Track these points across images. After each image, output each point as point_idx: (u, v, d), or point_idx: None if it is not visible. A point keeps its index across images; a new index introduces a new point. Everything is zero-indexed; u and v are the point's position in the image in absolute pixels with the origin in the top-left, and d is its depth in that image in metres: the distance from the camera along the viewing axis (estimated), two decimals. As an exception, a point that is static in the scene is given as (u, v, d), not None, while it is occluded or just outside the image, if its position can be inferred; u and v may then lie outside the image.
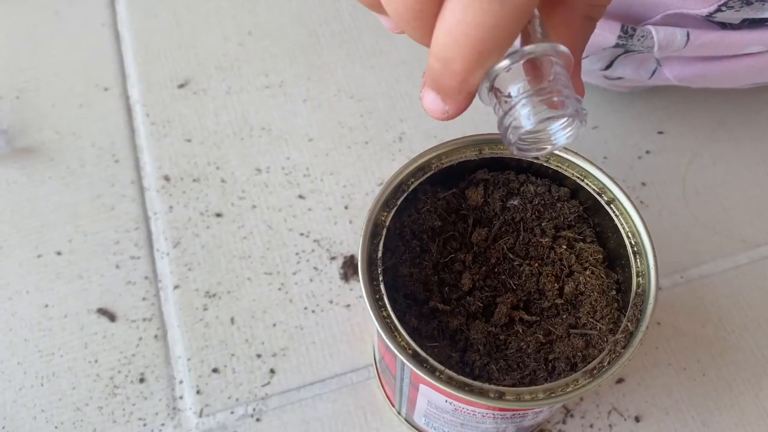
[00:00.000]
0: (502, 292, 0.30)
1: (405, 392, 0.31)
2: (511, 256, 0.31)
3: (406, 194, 0.29)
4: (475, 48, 0.19)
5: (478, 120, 0.44)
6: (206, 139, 0.46)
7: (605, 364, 0.26)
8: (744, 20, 0.36)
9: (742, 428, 0.38)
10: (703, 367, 0.39)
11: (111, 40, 0.50)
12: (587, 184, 0.30)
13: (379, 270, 0.28)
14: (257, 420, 0.38)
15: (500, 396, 0.25)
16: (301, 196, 0.44)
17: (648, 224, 0.29)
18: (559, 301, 0.30)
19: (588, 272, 0.30)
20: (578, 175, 0.30)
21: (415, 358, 0.26)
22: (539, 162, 0.30)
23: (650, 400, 0.38)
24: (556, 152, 0.30)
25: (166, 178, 0.44)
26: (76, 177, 0.44)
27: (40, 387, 0.38)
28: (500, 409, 0.26)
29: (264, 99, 0.48)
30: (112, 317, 0.40)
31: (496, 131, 0.22)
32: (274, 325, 0.40)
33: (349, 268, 0.42)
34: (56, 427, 0.37)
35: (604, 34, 0.37)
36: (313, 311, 0.41)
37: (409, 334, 0.26)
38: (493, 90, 0.21)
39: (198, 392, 0.38)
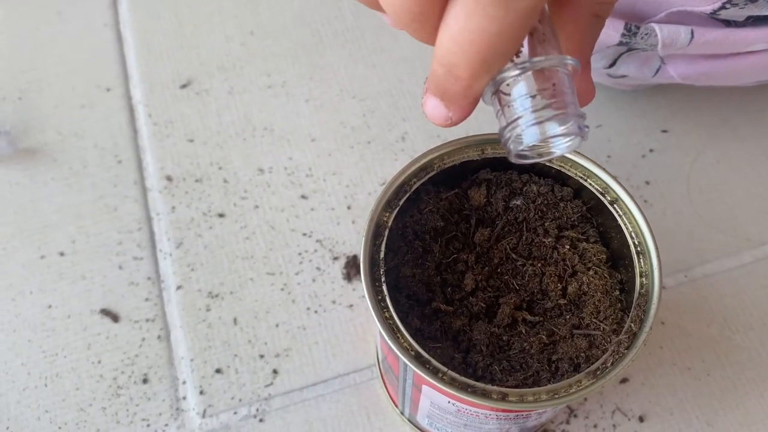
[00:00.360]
0: (505, 292, 0.30)
1: (408, 393, 0.31)
2: (514, 256, 0.31)
3: (408, 194, 0.29)
4: (480, 54, 0.19)
5: (482, 119, 0.44)
6: (209, 139, 0.46)
7: (608, 365, 0.26)
8: (749, 17, 0.36)
9: (747, 428, 0.38)
10: (707, 366, 0.39)
11: (113, 41, 0.50)
12: (590, 183, 0.30)
13: (382, 271, 0.27)
14: (260, 420, 0.38)
15: (503, 397, 0.25)
16: (303, 197, 0.44)
17: (652, 223, 0.28)
18: (562, 301, 0.29)
19: (591, 272, 0.30)
20: (581, 175, 0.30)
21: (417, 359, 0.26)
22: (543, 162, 0.30)
23: (654, 400, 0.38)
24: (559, 152, 0.30)
25: (169, 179, 0.44)
26: (79, 178, 0.44)
27: (44, 387, 0.38)
28: (503, 411, 0.26)
29: (266, 99, 0.47)
30: (115, 318, 0.40)
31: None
32: (277, 325, 0.40)
33: (351, 268, 0.42)
34: (60, 428, 0.37)
35: (608, 32, 0.37)
36: (315, 311, 0.40)
37: (411, 335, 0.26)
38: (497, 94, 0.21)
39: (201, 393, 0.38)
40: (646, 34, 0.36)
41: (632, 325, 0.26)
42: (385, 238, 0.28)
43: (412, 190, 0.29)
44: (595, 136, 0.46)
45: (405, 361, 0.26)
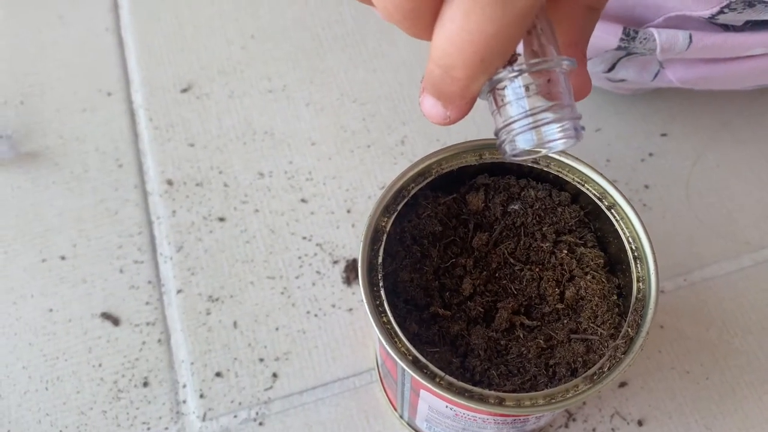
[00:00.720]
0: (503, 297, 0.30)
1: (406, 397, 0.31)
2: (512, 260, 0.31)
3: (406, 199, 0.29)
4: (477, 55, 0.18)
5: (480, 124, 0.44)
6: (209, 143, 0.46)
7: (605, 369, 0.26)
8: (747, 22, 0.36)
9: (746, 432, 0.38)
10: (706, 370, 0.39)
11: (114, 45, 0.50)
12: (588, 188, 0.30)
13: (380, 275, 0.28)
14: (260, 424, 0.38)
15: (500, 402, 0.25)
16: (303, 200, 0.44)
17: (651, 227, 0.28)
18: (560, 306, 0.30)
19: (589, 277, 0.30)
20: (579, 180, 0.30)
21: (415, 364, 0.26)
22: (540, 167, 0.30)
23: (653, 404, 0.38)
24: (557, 157, 0.30)
25: (169, 183, 0.44)
26: (80, 182, 0.45)
27: (45, 391, 0.39)
28: (501, 415, 0.26)
29: (267, 103, 0.48)
30: (115, 321, 0.40)
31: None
32: (277, 329, 0.40)
33: (351, 272, 0.42)
34: (60, 431, 0.37)
35: (606, 36, 0.37)
36: (315, 315, 0.41)
37: (409, 340, 0.26)
38: (493, 93, 0.21)
39: (201, 396, 0.38)
40: (645, 39, 0.36)
41: (629, 330, 0.27)
42: (383, 243, 0.28)
43: (411, 195, 0.29)
44: (594, 139, 0.46)
45: (403, 365, 0.26)
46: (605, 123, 0.47)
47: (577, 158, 0.30)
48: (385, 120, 0.47)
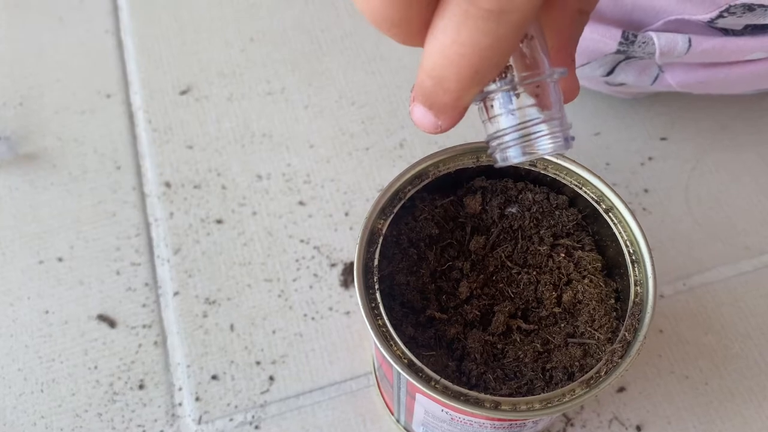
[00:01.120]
0: (500, 300, 0.30)
1: (402, 401, 0.31)
2: (509, 264, 0.30)
3: (403, 202, 0.29)
4: (471, 68, 0.18)
5: (478, 126, 0.44)
6: (208, 145, 0.46)
7: (602, 374, 0.26)
8: (746, 26, 0.36)
9: (745, 438, 0.37)
10: (705, 375, 0.39)
11: (114, 47, 0.50)
12: (585, 192, 0.30)
13: (375, 278, 0.27)
14: (256, 427, 0.38)
15: (496, 406, 0.25)
16: (301, 203, 0.44)
17: (650, 231, 0.28)
18: (557, 309, 0.29)
19: (586, 281, 0.30)
20: (576, 183, 0.30)
21: (410, 367, 0.26)
22: (537, 170, 0.30)
23: (652, 409, 0.38)
24: (555, 160, 0.30)
25: (167, 185, 0.44)
26: (78, 183, 0.45)
27: (40, 393, 0.38)
28: (497, 419, 0.26)
29: (265, 105, 0.48)
30: (112, 323, 0.40)
31: None
32: (274, 332, 0.40)
33: (349, 275, 0.42)
34: (56, 434, 0.37)
35: (605, 40, 0.37)
36: (312, 318, 0.40)
37: (405, 343, 0.26)
38: (484, 103, 0.21)
39: (197, 399, 0.38)
40: (644, 43, 0.36)
41: (626, 334, 0.26)
42: (379, 246, 0.28)
43: (407, 197, 0.29)
44: (593, 143, 0.46)
45: (398, 369, 0.26)
46: (604, 127, 0.46)
47: (574, 161, 0.30)
48: (383, 123, 0.47)
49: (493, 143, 0.22)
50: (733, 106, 0.47)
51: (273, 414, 0.38)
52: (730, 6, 0.34)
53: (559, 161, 0.30)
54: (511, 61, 0.20)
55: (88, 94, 0.48)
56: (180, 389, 0.39)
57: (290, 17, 0.51)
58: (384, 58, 0.50)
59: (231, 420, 0.38)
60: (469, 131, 0.44)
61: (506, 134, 0.21)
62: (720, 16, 0.34)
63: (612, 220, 0.29)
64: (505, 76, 0.20)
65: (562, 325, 0.29)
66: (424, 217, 0.30)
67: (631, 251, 0.28)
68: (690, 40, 0.36)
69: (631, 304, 0.27)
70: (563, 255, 0.30)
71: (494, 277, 0.30)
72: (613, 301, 0.29)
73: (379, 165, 0.45)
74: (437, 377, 0.26)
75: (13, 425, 0.38)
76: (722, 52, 0.36)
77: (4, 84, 0.48)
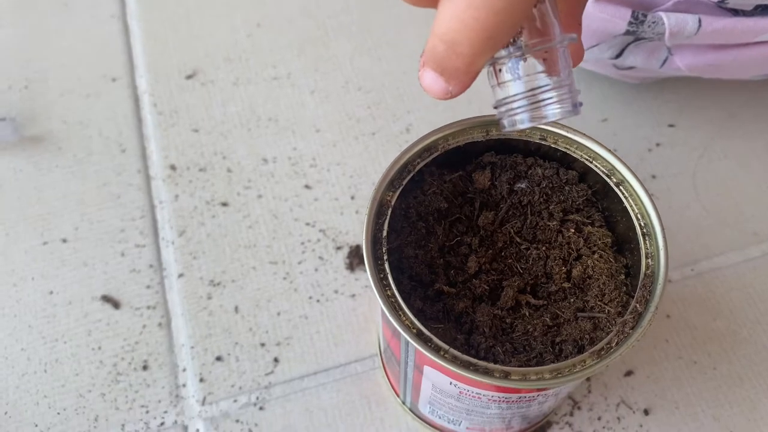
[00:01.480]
0: (509, 275, 0.30)
1: (409, 377, 0.31)
2: (518, 239, 0.30)
3: (412, 174, 0.29)
4: (485, 32, 0.18)
5: (486, 98, 0.44)
6: (213, 129, 0.46)
7: (613, 344, 0.26)
8: (757, 7, 0.35)
9: (754, 423, 0.37)
10: (713, 360, 0.39)
11: (120, 31, 0.50)
12: (596, 165, 0.29)
13: (384, 249, 0.27)
14: (260, 409, 0.37)
15: (506, 375, 0.25)
16: (307, 186, 0.44)
17: (661, 217, 0.28)
18: (566, 284, 0.29)
19: (596, 256, 0.29)
20: (587, 157, 0.30)
21: (419, 336, 0.26)
22: (548, 143, 0.30)
23: (660, 393, 0.38)
24: (565, 134, 0.30)
25: (173, 168, 0.44)
26: (83, 166, 0.44)
27: (44, 373, 0.38)
28: (505, 390, 0.26)
29: (272, 90, 0.47)
30: (116, 305, 0.40)
31: None
32: (279, 314, 0.40)
33: (354, 257, 0.41)
34: (59, 413, 0.37)
35: (615, 20, 0.36)
36: (318, 301, 0.40)
37: (414, 316, 0.26)
38: (494, 68, 0.21)
39: (201, 380, 0.38)
40: (654, 23, 0.36)
41: (637, 305, 0.26)
42: (387, 218, 0.28)
43: (416, 170, 0.29)
44: (601, 129, 0.46)
45: (407, 338, 0.25)
46: (612, 113, 0.46)
47: (585, 134, 0.29)
48: (389, 108, 0.47)
49: (502, 108, 0.22)
50: (741, 94, 0.47)
51: (277, 396, 0.38)
52: (741, -15, 0.34)
53: (569, 135, 0.30)
54: (522, 26, 0.20)
55: (94, 78, 0.48)
56: (184, 370, 0.38)
57: (297, 3, 0.51)
58: (390, 44, 0.49)
59: (235, 401, 0.37)
60: (476, 108, 0.44)
61: (515, 100, 0.21)
62: (730, -5, 0.34)
63: (623, 194, 0.29)
64: (516, 42, 0.20)
65: (572, 299, 0.29)
66: (433, 191, 0.30)
67: (643, 224, 0.28)
68: (700, 21, 0.36)
69: (642, 276, 0.27)
70: (573, 230, 0.30)
71: (503, 253, 0.30)
72: (623, 276, 0.29)
73: (385, 150, 0.45)
74: (446, 347, 0.25)
75: (15, 405, 0.37)
76: (732, 33, 0.36)
77: (10, 67, 0.48)
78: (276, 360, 0.39)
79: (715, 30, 0.36)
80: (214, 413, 0.37)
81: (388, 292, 0.26)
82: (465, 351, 0.27)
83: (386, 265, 0.27)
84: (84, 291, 0.40)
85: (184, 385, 0.38)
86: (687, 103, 0.47)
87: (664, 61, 0.40)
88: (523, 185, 0.31)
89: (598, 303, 0.28)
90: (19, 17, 0.50)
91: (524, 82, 0.21)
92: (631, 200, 0.28)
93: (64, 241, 0.42)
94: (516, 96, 0.21)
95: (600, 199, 0.31)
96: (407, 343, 0.26)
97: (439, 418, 0.33)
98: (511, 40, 0.20)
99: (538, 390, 0.26)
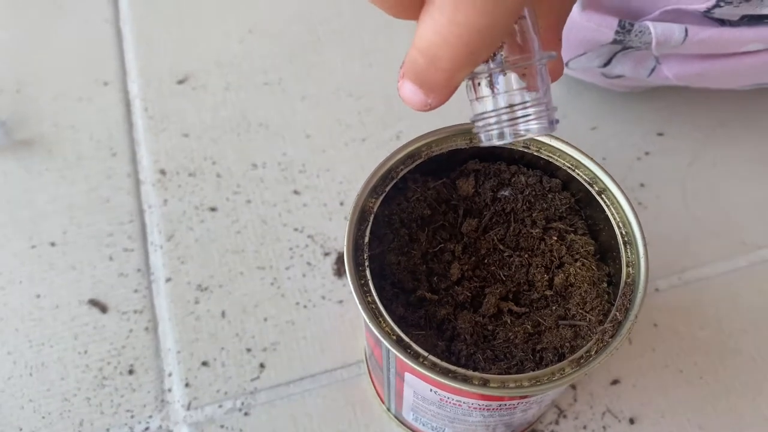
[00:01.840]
0: (491, 282, 0.30)
1: (392, 383, 0.31)
2: (501, 247, 0.30)
3: (395, 181, 0.29)
4: (466, 48, 0.18)
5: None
6: (203, 134, 0.46)
7: (592, 353, 0.26)
8: (743, 17, 0.36)
9: (740, 432, 0.37)
10: (700, 370, 0.39)
11: (112, 36, 0.50)
12: (578, 174, 0.29)
13: (365, 256, 0.27)
14: (245, 414, 0.37)
15: (485, 383, 0.25)
16: (296, 192, 0.44)
17: (646, 225, 0.28)
18: (548, 292, 0.29)
19: (578, 264, 0.29)
20: (569, 165, 0.30)
21: (398, 343, 0.26)
22: (531, 152, 0.30)
23: (646, 402, 0.38)
24: (548, 142, 0.30)
25: (162, 172, 0.44)
26: (73, 169, 0.44)
27: (29, 377, 0.38)
28: (485, 398, 0.26)
29: (262, 96, 0.48)
30: (103, 308, 0.40)
31: None
32: (266, 319, 0.40)
33: (342, 264, 0.41)
34: (44, 417, 0.37)
35: (602, 29, 0.37)
36: (305, 306, 0.40)
37: (395, 322, 0.26)
38: (473, 82, 0.21)
39: (187, 385, 0.38)
40: (640, 32, 0.36)
41: (617, 313, 0.26)
42: (369, 224, 0.28)
43: (399, 176, 0.29)
44: (590, 137, 0.46)
45: (386, 345, 0.25)
46: (601, 121, 0.46)
47: (568, 143, 0.30)
48: (380, 115, 0.47)
49: (480, 123, 0.22)
50: (729, 103, 0.47)
51: (263, 401, 0.38)
52: (727, -5, 0.34)
53: (552, 143, 0.30)
54: (503, 42, 0.21)
55: (86, 82, 0.48)
56: (170, 375, 0.38)
57: (289, 9, 0.51)
58: (382, 50, 0.50)
59: (220, 406, 0.37)
60: (464, 114, 0.44)
61: (493, 115, 0.21)
62: (716, 5, 0.34)
63: (605, 202, 0.29)
64: (495, 57, 0.21)
65: (554, 307, 0.29)
66: (417, 198, 0.30)
67: (624, 232, 0.28)
68: (686, 30, 0.36)
69: (622, 284, 0.27)
70: (555, 238, 0.30)
71: (486, 260, 0.30)
72: (605, 284, 0.29)
73: (375, 156, 0.45)
74: (425, 354, 0.25)
75: (0, 408, 0.37)
76: (719, 43, 0.36)
77: (2, 70, 0.48)
78: (262, 365, 0.39)
79: (702, 40, 0.36)
80: (199, 418, 0.37)
81: (369, 299, 0.26)
82: (446, 358, 0.27)
83: (367, 272, 0.27)
84: (71, 295, 0.40)
85: (169, 390, 0.38)
86: (676, 112, 0.47)
87: (652, 70, 0.40)
88: (506, 193, 0.31)
89: (580, 311, 0.28)
90: (12, 20, 0.50)
91: (502, 97, 0.21)
92: (612, 209, 0.29)
93: (53, 244, 0.42)
94: (493, 111, 0.21)
95: (583, 207, 0.31)
96: (387, 350, 0.26)
97: (423, 425, 0.33)
98: (491, 55, 0.21)
99: (519, 398, 0.26)
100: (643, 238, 0.27)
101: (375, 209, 0.28)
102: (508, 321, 0.29)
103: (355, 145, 0.46)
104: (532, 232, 0.30)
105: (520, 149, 0.30)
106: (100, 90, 0.48)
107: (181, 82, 0.48)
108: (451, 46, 0.18)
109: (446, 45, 0.18)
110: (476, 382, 0.25)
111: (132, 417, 0.37)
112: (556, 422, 0.37)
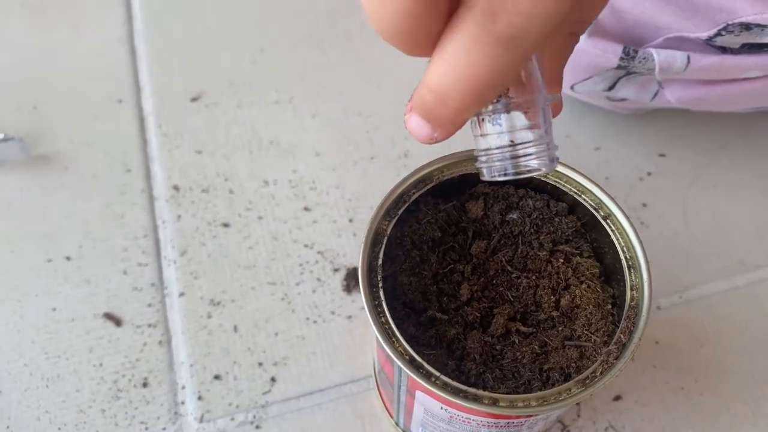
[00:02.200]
0: (500, 303, 0.31)
1: (402, 400, 0.32)
2: (509, 268, 0.31)
3: (407, 204, 0.30)
4: (475, 89, 0.19)
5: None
6: (216, 151, 0.47)
7: (598, 374, 0.26)
8: (743, 45, 0.37)
9: (739, 449, 0.38)
10: (700, 387, 0.40)
11: (127, 55, 0.51)
12: (584, 199, 0.30)
13: (379, 277, 0.28)
14: (257, 427, 0.38)
15: (494, 402, 0.26)
16: (306, 209, 0.45)
17: (648, 244, 0.29)
18: (555, 313, 0.30)
19: (584, 286, 0.30)
20: (576, 191, 0.31)
21: (411, 363, 0.27)
22: (538, 177, 0.31)
23: (647, 419, 0.39)
24: (555, 168, 0.31)
25: (176, 188, 0.45)
26: (88, 185, 0.46)
27: (45, 389, 0.39)
28: (494, 416, 0.27)
29: (274, 114, 0.49)
30: (118, 322, 0.41)
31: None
32: (276, 334, 0.41)
33: (351, 279, 0.42)
34: (59, 429, 0.38)
35: (607, 55, 0.38)
36: (315, 322, 0.41)
37: (407, 342, 0.27)
38: (477, 118, 0.22)
39: (199, 398, 0.39)
40: (644, 58, 0.37)
41: (622, 336, 0.27)
42: (383, 246, 0.29)
43: (411, 200, 0.30)
44: (593, 158, 0.47)
45: (399, 364, 0.26)
46: (605, 142, 0.47)
47: (574, 169, 0.31)
48: (388, 134, 0.48)
49: (483, 158, 0.23)
50: (731, 125, 0.48)
51: (274, 415, 0.39)
52: (728, 24, 0.35)
53: (559, 168, 0.31)
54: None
55: (101, 100, 0.49)
56: (183, 388, 0.39)
57: (300, 31, 0.53)
58: (390, 72, 0.51)
59: (232, 419, 0.38)
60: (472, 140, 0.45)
61: (496, 153, 0.22)
62: (718, 34, 0.36)
63: (610, 227, 0.30)
64: (501, 97, 0.21)
65: (560, 328, 0.30)
66: (428, 220, 0.31)
67: (628, 257, 0.29)
68: (689, 57, 0.37)
69: (627, 307, 0.28)
70: (562, 261, 0.31)
71: (494, 281, 0.31)
72: (609, 306, 0.30)
73: (384, 174, 0.46)
74: (437, 373, 0.26)
75: (17, 420, 0.38)
76: (720, 70, 0.37)
77: (19, 87, 0.49)
78: (273, 379, 0.39)
79: (704, 66, 0.37)
80: (212, 431, 0.38)
81: (383, 319, 0.27)
82: (456, 377, 0.28)
83: (381, 293, 0.28)
84: (86, 308, 0.41)
85: (182, 403, 0.39)
86: (678, 134, 0.48)
87: (655, 94, 0.41)
88: (514, 216, 0.32)
89: (585, 332, 0.29)
90: (30, 39, 0.52)
91: (505, 135, 0.22)
92: (617, 233, 0.30)
93: (68, 258, 0.43)
94: (497, 149, 0.22)
95: (589, 230, 0.32)
96: (400, 369, 0.27)
97: (431, 440, 0.34)
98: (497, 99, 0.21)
99: (526, 416, 0.27)
100: (647, 262, 0.28)
101: (388, 231, 0.29)
102: (516, 341, 0.30)
103: (364, 163, 0.47)
104: (539, 255, 0.31)
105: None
106: (114, 107, 0.49)
107: (194, 99, 0.49)
108: (462, 86, 0.19)
109: (458, 84, 0.19)
110: (486, 402, 0.26)
111: (146, 429, 0.38)
112: (560, 437, 0.38)
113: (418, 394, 0.29)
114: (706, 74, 0.38)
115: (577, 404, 0.39)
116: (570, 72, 0.40)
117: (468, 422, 0.28)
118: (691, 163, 0.47)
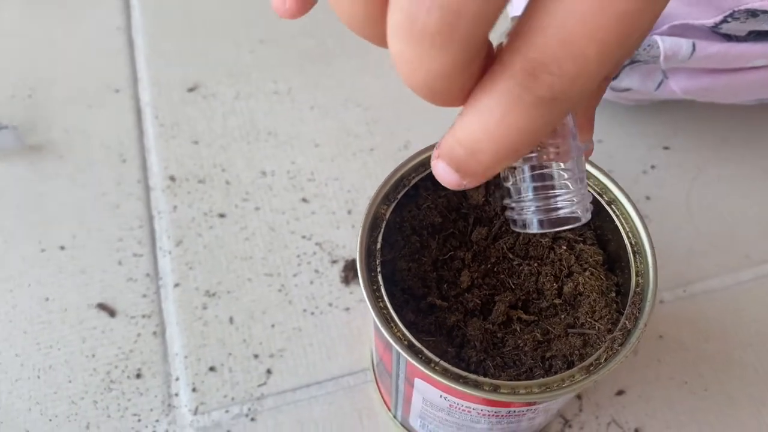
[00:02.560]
0: (501, 290, 0.30)
1: (401, 390, 0.31)
2: (510, 255, 0.31)
3: (407, 189, 0.29)
4: (510, 146, 0.18)
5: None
6: (213, 141, 0.46)
7: (602, 361, 0.26)
8: (750, 32, 0.36)
9: (744, 445, 0.37)
10: (705, 381, 0.39)
11: (124, 44, 0.50)
12: (588, 184, 0.30)
13: (377, 261, 0.27)
14: (252, 420, 0.37)
15: (495, 389, 0.25)
16: (304, 200, 0.44)
17: (652, 238, 0.28)
18: (557, 301, 0.29)
19: (587, 273, 0.30)
20: (579, 176, 0.30)
21: (410, 348, 0.26)
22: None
23: (651, 413, 0.38)
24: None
25: (172, 179, 0.45)
26: (83, 175, 0.45)
27: (37, 379, 0.38)
28: (495, 404, 0.26)
29: (272, 105, 0.48)
30: (111, 313, 0.40)
31: None
32: (273, 326, 0.40)
33: (349, 271, 0.42)
34: (50, 420, 0.37)
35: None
36: (312, 313, 0.40)
37: (406, 328, 0.26)
38: (509, 168, 0.21)
39: (194, 390, 0.38)
40: (649, 46, 0.37)
41: (627, 322, 0.26)
42: (382, 230, 0.28)
43: (411, 184, 0.30)
44: (596, 151, 0.46)
45: (398, 349, 0.25)
46: (608, 134, 0.47)
47: (578, 153, 0.30)
48: (388, 125, 0.47)
49: (513, 206, 0.22)
50: (735, 118, 0.47)
51: (269, 407, 0.38)
52: (734, 11, 0.34)
53: (562, 153, 0.30)
54: None
55: (97, 89, 0.48)
56: (177, 379, 0.38)
57: (299, 21, 0.52)
58: (389, 62, 0.50)
59: (227, 411, 0.38)
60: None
61: (527, 203, 0.21)
62: (724, 21, 0.35)
63: (614, 212, 0.29)
64: (534, 151, 0.20)
65: (563, 316, 0.29)
66: (428, 205, 0.30)
67: (633, 242, 0.28)
68: (694, 45, 0.36)
69: (632, 293, 0.27)
70: (564, 248, 0.30)
71: (495, 268, 0.30)
72: (613, 294, 0.29)
73: (383, 166, 0.46)
74: (437, 359, 0.26)
75: (8, 410, 0.37)
76: (725, 58, 0.37)
77: (14, 75, 0.49)
78: (269, 371, 0.39)
79: (709, 54, 0.37)
80: (206, 423, 0.37)
81: (381, 304, 0.27)
82: (456, 364, 0.27)
83: (379, 277, 0.27)
84: (80, 298, 0.41)
85: (176, 395, 0.38)
86: (682, 126, 0.47)
87: (660, 84, 0.40)
88: (516, 202, 0.31)
89: (589, 319, 0.28)
90: (26, 26, 0.51)
91: (536, 186, 0.21)
92: (622, 219, 0.29)
93: (62, 248, 0.42)
94: (529, 201, 0.21)
95: (592, 217, 0.31)
96: (398, 355, 0.26)
97: (430, 432, 0.33)
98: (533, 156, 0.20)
99: (527, 404, 0.27)
100: (652, 247, 0.27)
101: (387, 216, 0.29)
102: (518, 329, 0.29)
103: (363, 155, 0.46)
104: (541, 242, 0.30)
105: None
106: (111, 97, 0.48)
107: (191, 90, 0.48)
108: (496, 144, 0.18)
109: (491, 141, 0.18)
110: (487, 388, 0.25)
111: (139, 421, 0.37)
112: (562, 431, 0.37)
113: (417, 382, 0.28)
114: (711, 62, 0.37)
115: (579, 398, 0.38)
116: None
117: (468, 411, 0.28)
118: (696, 155, 0.46)
